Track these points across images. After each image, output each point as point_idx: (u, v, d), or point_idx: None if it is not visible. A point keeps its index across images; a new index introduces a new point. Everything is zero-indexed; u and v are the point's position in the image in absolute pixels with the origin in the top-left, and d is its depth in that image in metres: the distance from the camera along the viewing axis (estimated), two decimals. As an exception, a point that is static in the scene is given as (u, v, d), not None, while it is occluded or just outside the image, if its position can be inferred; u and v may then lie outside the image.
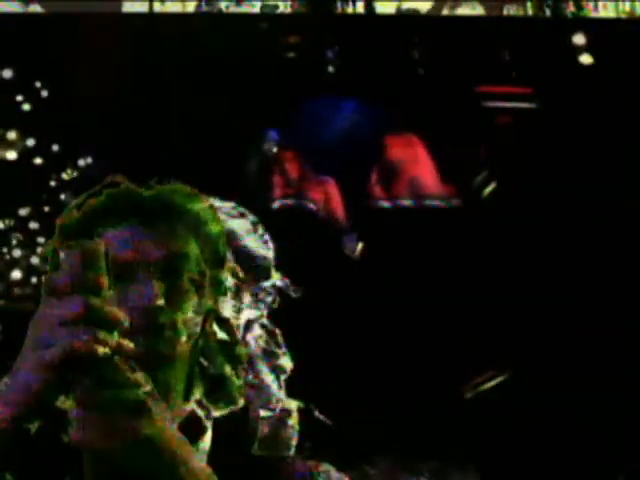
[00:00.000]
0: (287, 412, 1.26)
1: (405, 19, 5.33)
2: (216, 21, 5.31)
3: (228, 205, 1.39)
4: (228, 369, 1.18)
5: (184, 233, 1.14)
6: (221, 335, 1.19)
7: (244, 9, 5.30)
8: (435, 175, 5.48)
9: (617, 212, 5.03)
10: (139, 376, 0.92)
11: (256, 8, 5.29)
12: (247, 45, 5.10)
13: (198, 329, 1.15)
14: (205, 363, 1.16)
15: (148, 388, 0.92)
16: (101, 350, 0.87)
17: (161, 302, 1.09)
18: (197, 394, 1.15)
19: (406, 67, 5.27)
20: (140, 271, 1.10)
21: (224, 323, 1.20)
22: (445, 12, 5.33)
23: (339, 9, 5.28)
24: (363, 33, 5.31)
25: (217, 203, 1.27)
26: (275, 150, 5.41)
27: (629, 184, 5.05)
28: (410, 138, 5.48)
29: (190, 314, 1.13)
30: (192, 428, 1.06)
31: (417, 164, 5.49)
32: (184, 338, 1.11)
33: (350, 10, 5.31)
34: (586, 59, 5.14)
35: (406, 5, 5.27)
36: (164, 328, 1.09)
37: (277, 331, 1.23)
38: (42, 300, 0.92)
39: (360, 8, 5.32)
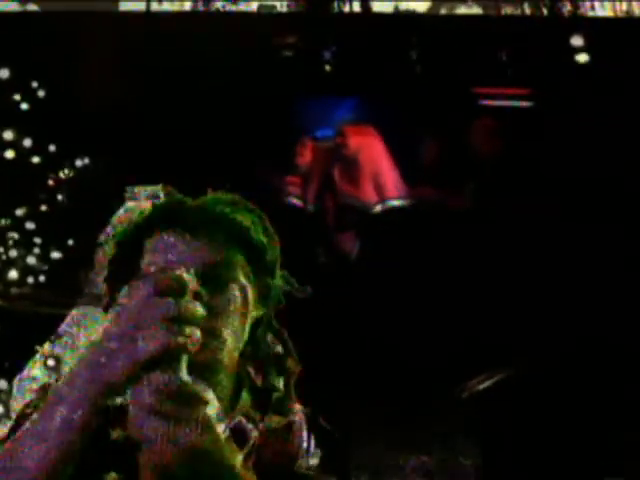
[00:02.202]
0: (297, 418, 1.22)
1: (402, 18, 5.33)
2: (213, 20, 5.31)
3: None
4: (278, 381, 1.17)
5: (227, 242, 1.14)
6: (274, 346, 1.18)
7: (240, 8, 5.30)
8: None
9: (618, 210, 5.03)
10: (209, 393, 0.95)
11: (253, 7, 5.28)
12: (244, 44, 5.10)
13: (245, 337, 1.14)
14: (253, 373, 1.15)
15: (215, 403, 0.95)
16: (191, 345, 0.93)
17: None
18: (244, 404, 1.13)
19: (403, 66, 5.27)
20: None
21: (278, 333, 1.19)
22: (443, 12, 5.33)
23: (336, 8, 5.28)
24: (361, 32, 5.31)
25: None
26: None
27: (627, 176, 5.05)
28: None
29: (237, 322, 1.12)
30: (237, 438, 1.05)
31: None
32: (229, 346, 1.10)
33: (347, 9, 5.31)
34: (583, 58, 5.14)
35: (403, 5, 5.27)
36: (207, 337, 1.05)
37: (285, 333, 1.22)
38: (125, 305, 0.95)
39: (356, 7, 5.31)
